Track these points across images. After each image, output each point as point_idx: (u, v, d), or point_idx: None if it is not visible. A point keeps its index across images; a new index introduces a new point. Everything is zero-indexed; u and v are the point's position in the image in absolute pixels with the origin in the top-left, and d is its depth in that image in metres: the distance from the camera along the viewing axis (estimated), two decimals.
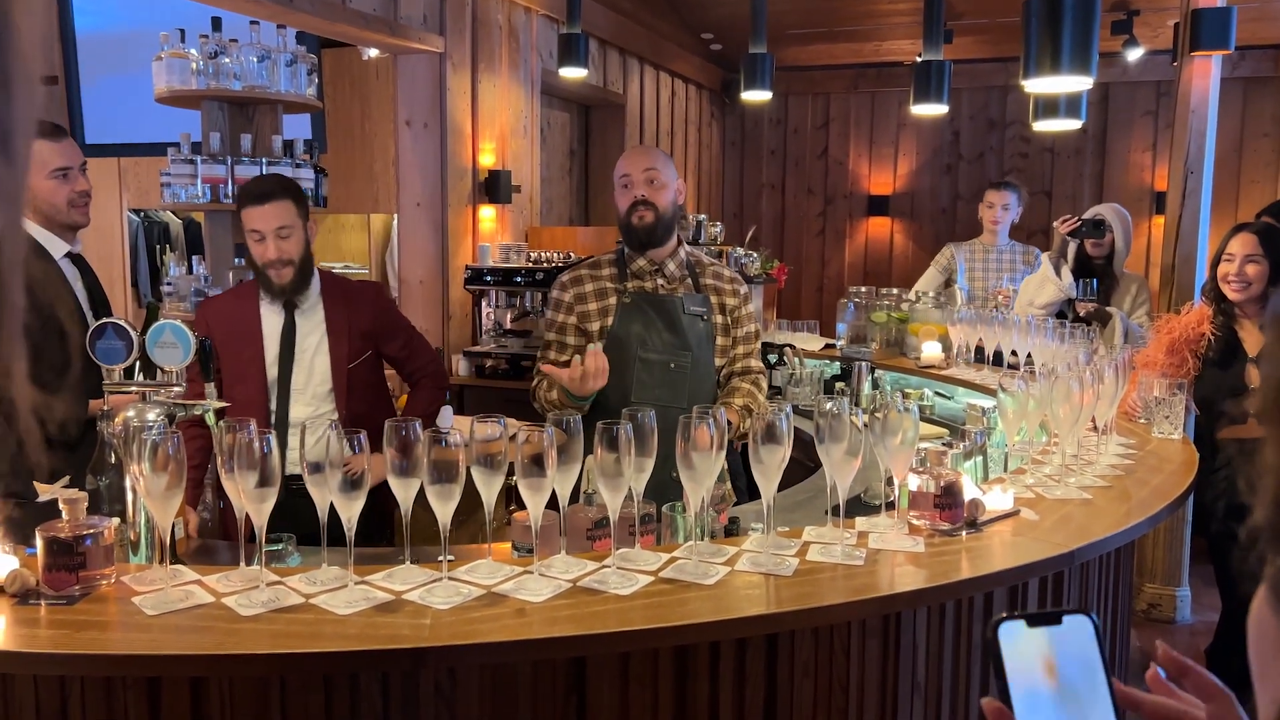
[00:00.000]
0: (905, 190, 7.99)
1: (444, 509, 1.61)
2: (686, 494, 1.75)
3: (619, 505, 1.70)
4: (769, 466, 1.75)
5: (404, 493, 1.61)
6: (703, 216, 5.37)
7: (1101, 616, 2.29)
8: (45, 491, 1.75)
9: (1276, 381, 0.65)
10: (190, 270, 4.46)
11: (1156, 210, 7.09)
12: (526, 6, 5.32)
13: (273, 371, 2.63)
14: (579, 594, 1.63)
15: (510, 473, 1.67)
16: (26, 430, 0.48)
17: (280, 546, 1.99)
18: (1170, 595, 4.26)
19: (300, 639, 1.46)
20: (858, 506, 2.37)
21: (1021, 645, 0.79)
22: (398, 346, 2.80)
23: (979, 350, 3.81)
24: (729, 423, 2.47)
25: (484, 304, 5.00)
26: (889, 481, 2.03)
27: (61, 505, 1.66)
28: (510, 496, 2.57)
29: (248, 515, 1.63)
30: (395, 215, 5.22)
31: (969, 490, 2.02)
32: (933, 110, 4.66)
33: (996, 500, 2.07)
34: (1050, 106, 4.69)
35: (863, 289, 4.81)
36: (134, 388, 2.02)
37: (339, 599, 1.59)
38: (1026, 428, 2.44)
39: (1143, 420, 2.98)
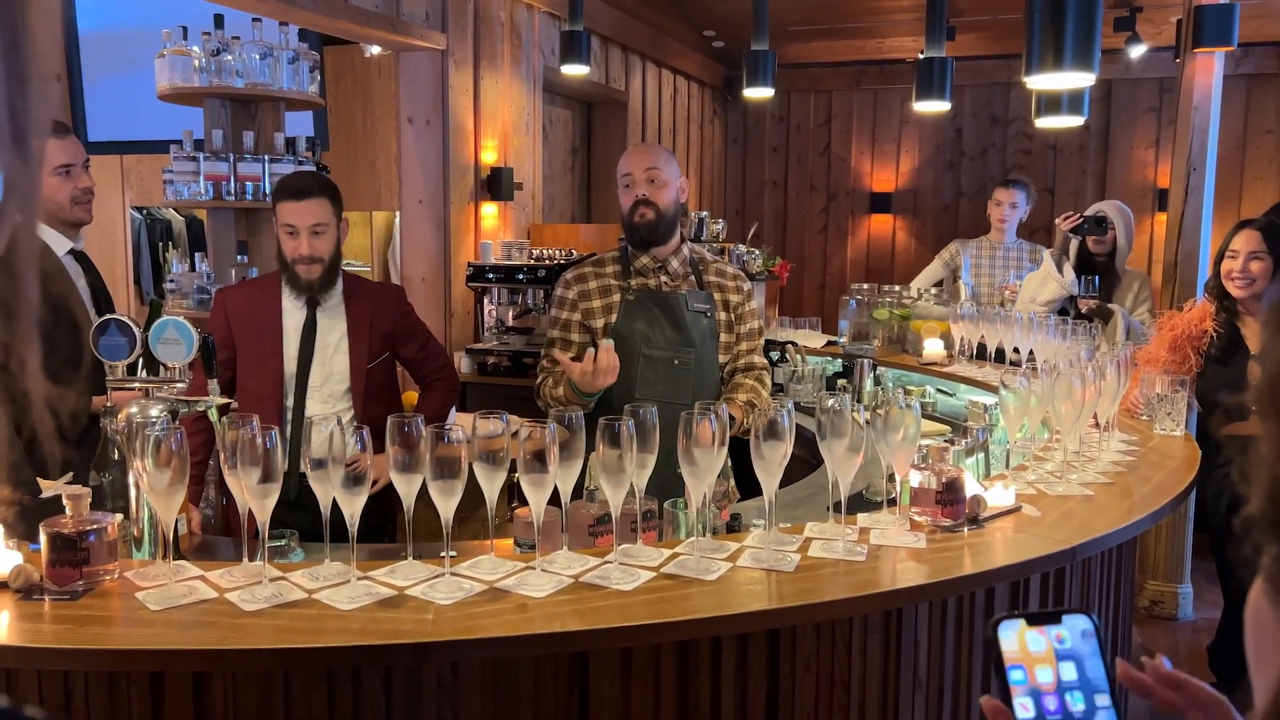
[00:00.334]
0: (907, 187, 7.99)
1: (446, 505, 1.61)
2: (688, 490, 1.76)
3: (621, 501, 1.70)
4: (771, 463, 1.75)
5: (407, 489, 1.62)
6: (705, 214, 5.37)
7: (1103, 613, 2.29)
8: (49, 487, 1.75)
9: (1271, 374, 0.66)
10: (193, 267, 4.46)
11: (1159, 207, 7.08)
12: (529, 4, 5.32)
13: (291, 367, 2.63)
14: (581, 589, 1.64)
15: (512, 469, 1.67)
16: (41, 422, 0.49)
17: (283, 542, 2.00)
18: (1172, 592, 4.26)
19: (303, 634, 1.47)
20: (859, 503, 2.38)
21: (1021, 644, 0.79)
22: (414, 349, 2.81)
23: (981, 347, 3.81)
24: (732, 418, 2.48)
25: (486, 301, 5.00)
26: (891, 478, 2.03)
27: (65, 501, 1.66)
28: (512, 493, 2.58)
29: (250, 512, 1.63)
30: (397, 212, 5.22)
31: (971, 486, 2.02)
32: (935, 107, 4.65)
33: (998, 496, 2.07)
34: (1053, 103, 4.68)
35: (865, 286, 4.81)
36: (137, 384, 2.02)
37: (342, 594, 1.59)
38: (1028, 424, 2.44)
39: (1145, 417, 2.98)
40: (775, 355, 4.07)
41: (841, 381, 4.09)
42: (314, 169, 4.27)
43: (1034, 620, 0.80)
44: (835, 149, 8.16)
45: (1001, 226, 4.96)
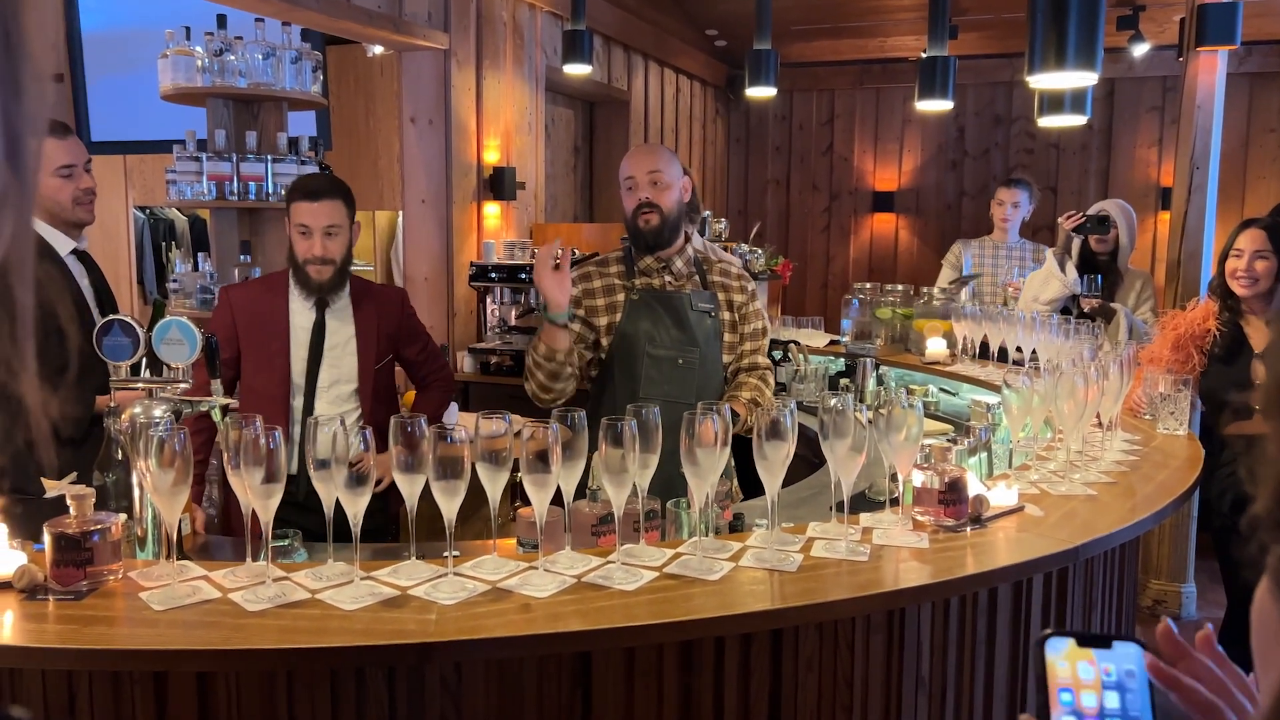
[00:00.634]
0: (910, 186, 7.98)
1: (449, 505, 1.62)
2: (691, 489, 1.76)
3: (624, 501, 1.70)
4: (773, 462, 1.75)
5: (410, 489, 1.62)
6: (707, 213, 5.37)
7: (1106, 613, 2.29)
8: (53, 487, 1.76)
9: (1278, 373, 0.65)
10: (196, 267, 4.47)
11: (1162, 206, 7.07)
12: (531, 3, 5.32)
13: (298, 367, 2.63)
14: (584, 589, 1.64)
15: (515, 469, 1.67)
16: (37, 428, 0.49)
17: (286, 542, 2.00)
18: (1175, 591, 4.25)
19: (306, 634, 1.47)
20: (862, 503, 2.38)
21: (1067, 664, 0.77)
22: (416, 351, 2.83)
23: (984, 346, 3.81)
24: (735, 414, 2.48)
25: (489, 301, 5.00)
26: (893, 477, 2.03)
27: (69, 501, 1.67)
28: (515, 492, 2.58)
29: (254, 511, 1.64)
30: (400, 212, 5.22)
31: (973, 486, 2.02)
32: (938, 106, 4.65)
33: (1001, 496, 2.07)
34: (1056, 102, 4.68)
35: (867, 285, 4.81)
36: (140, 384, 2.03)
37: (345, 594, 1.59)
38: (1031, 424, 2.44)
39: (1148, 416, 2.98)
40: (778, 355, 4.07)
41: (844, 381, 4.09)
42: (319, 169, 4.28)
43: (1084, 641, 0.78)
44: (838, 148, 8.16)
45: (1004, 226, 4.96)
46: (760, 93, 4.95)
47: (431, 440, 1.59)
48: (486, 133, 5.02)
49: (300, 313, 2.66)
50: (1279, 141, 6.99)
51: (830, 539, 1.87)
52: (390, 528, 2.76)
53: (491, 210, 5.10)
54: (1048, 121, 4.73)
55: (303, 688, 1.54)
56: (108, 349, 1.96)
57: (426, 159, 4.80)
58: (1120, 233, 4.20)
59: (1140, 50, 6.10)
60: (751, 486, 2.40)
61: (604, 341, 2.65)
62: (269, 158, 4.14)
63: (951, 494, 1.96)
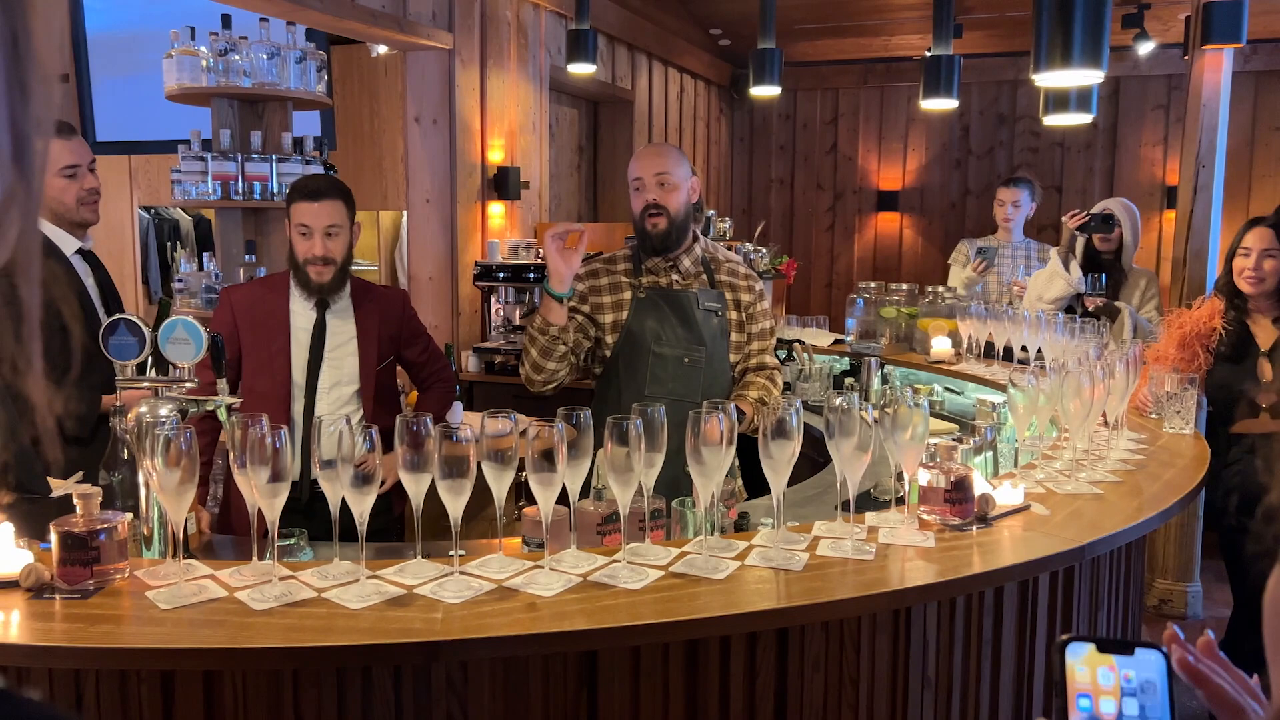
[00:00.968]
0: (914, 185, 7.97)
1: (455, 504, 1.62)
2: (696, 489, 1.76)
3: (629, 500, 1.70)
4: (779, 461, 1.75)
5: (416, 488, 1.62)
6: (711, 212, 5.36)
7: (1111, 612, 2.28)
8: (59, 487, 1.76)
9: None
10: (201, 267, 4.47)
11: (1167, 205, 7.06)
12: (535, 3, 5.32)
13: (299, 369, 2.63)
14: (589, 588, 1.64)
15: (521, 468, 1.67)
16: (43, 427, 0.49)
17: (292, 541, 2.00)
18: (1181, 591, 4.24)
19: (312, 633, 1.47)
20: (867, 502, 2.37)
21: (1087, 669, 0.77)
22: (418, 352, 2.82)
23: (989, 345, 3.80)
24: (741, 413, 2.48)
25: (493, 300, 5.01)
26: (899, 477, 2.03)
27: (76, 500, 1.67)
28: (520, 492, 2.58)
29: (260, 510, 1.64)
30: (404, 212, 5.23)
31: (979, 485, 2.02)
32: (942, 105, 4.64)
33: (1007, 495, 2.07)
34: (1061, 101, 4.67)
35: (872, 284, 4.80)
36: (146, 383, 2.03)
37: (351, 593, 1.59)
38: (1037, 423, 2.43)
39: (1154, 415, 2.97)
40: (782, 354, 4.07)
41: (849, 380, 4.09)
42: (323, 169, 4.28)
43: (1105, 647, 0.77)
44: (842, 147, 8.15)
45: (1007, 226, 4.95)
46: (764, 92, 4.95)
47: (437, 439, 1.59)
48: (491, 132, 5.02)
49: (301, 314, 2.66)
50: None
51: (836, 538, 1.87)
52: (395, 527, 2.76)
53: (496, 210, 5.10)
54: (1053, 120, 4.72)
55: (309, 687, 1.54)
56: (113, 348, 1.97)
57: (431, 158, 4.80)
58: (1124, 231, 4.19)
59: (1145, 48, 6.09)
60: (756, 486, 2.40)
61: (609, 340, 2.64)
62: (274, 157, 4.14)
63: (957, 493, 1.95)
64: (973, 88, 7.45)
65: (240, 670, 1.52)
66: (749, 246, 5.27)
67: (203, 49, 4.06)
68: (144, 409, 1.94)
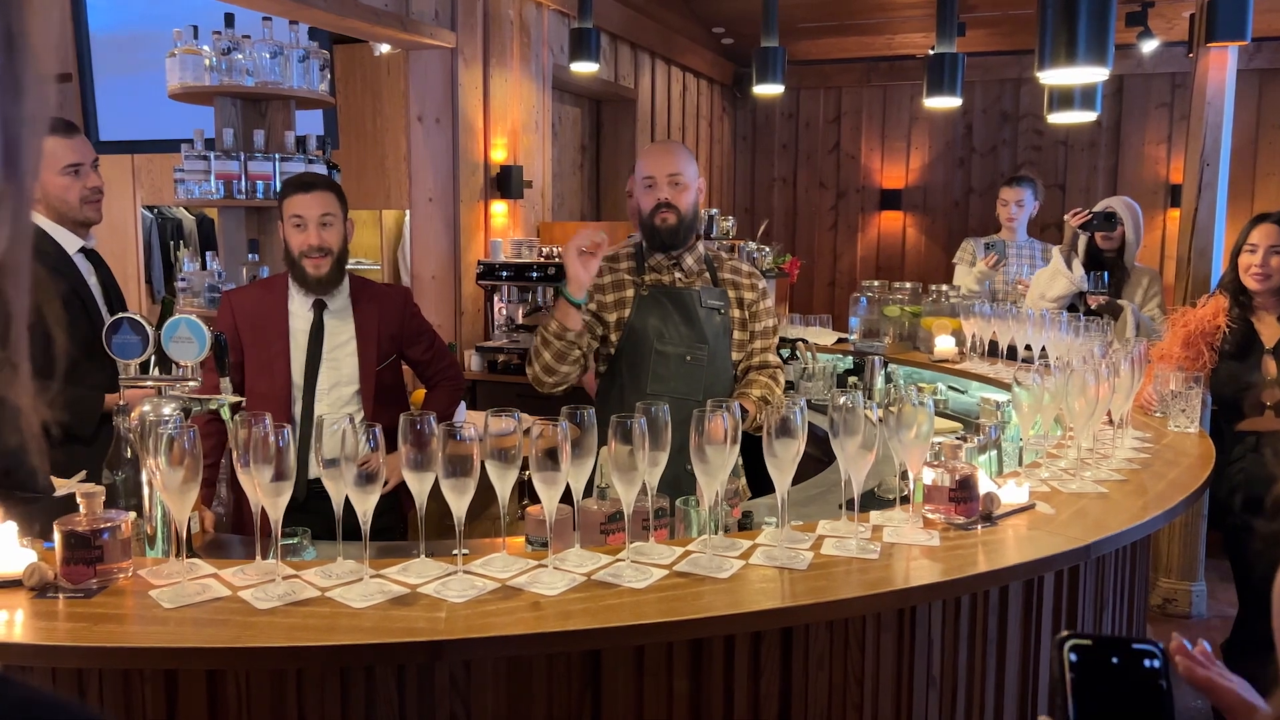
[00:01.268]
0: (918, 184, 7.97)
1: (459, 503, 1.61)
2: (700, 487, 1.75)
3: (633, 499, 1.70)
4: (783, 460, 1.74)
5: (419, 487, 1.62)
6: (714, 211, 5.36)
7: (1116, 612, 2.28)
8: (62, 486, 1.76)
9: None
10: (204, 266, 4.48)
11: (1171, 203, 7.05)
12: (538, 2, 5.32)
13: (298, 370, 2.62)
14: (593, 587, 1.63)
15: (524, 467, 1.67)
16: (29, 434, 0.48)
17: (296, 540, 2.00)
18: (1186, 590, 4.24)
19: (316, 632, 1.47)
20: (871, 501, 2.37)
21: (1088, 667, 0.77)
22: (421, 350, 2.81)
23: (993, 344, 3.79)
24: (745, 411, 2.47)
25: (496, 299, 5.00)
26: (903, 475, 2.02)
27: (79, 499, 1.67)
28: (524, 490, 2.57)
29: (263, 510, 1.64)
30: (407, 211, 5.23)
31: (984, 484, 2.01)
32: (946, 103, 4.63)
33: (1011, 494, 2.06)
34: (1065, 99, 4.66)
35: (875, 283, 4.80)
36: (149, 382, 2.03)
37: (354, 592, 1.59)
38: (1041, 421, 2.43)
39: (1159, 414, 2.96)
40: (785, 353, 4.06)
41: (852, 379, 4.08)
42: (326, 169, 4.28)
43: (1104, 645, 0.78)
44: (845, 146, 8.14)
45: (1010, 225, 4.94)
46: (767, 90, 4.94)
47: (441, 438, 1.59)
48: (493, 131, 5.02)
49: (299, 315, 2.65)
50: None
51: (840, 537, 1.87)
52: (399, 527, 2.76)
53: (498, 209, 5.10)
54: (1057, 118, 4.72)
55: (312, 686, 1.54)
56: (117, 347, 1.97)
57: (433, 157, 4.80)
58: (1126, 230, 4.18)
59: (1149, 46, 6.07)
60: (760, 484, 2.40)
61: (613, 337, 2.64)
62: (276, 156, 4.14)
63: (962, 491, 1.95)
64: (976, 86, 7.44)
65: (244, 669, 1.52)
66: (752, 245, 5.27)
67: (205, 48, 4.06)
68: (147, 408, 1.94)
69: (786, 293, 6.11)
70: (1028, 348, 3.48)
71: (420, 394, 3.06)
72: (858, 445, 1.77)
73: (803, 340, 4.21)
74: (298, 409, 2.61)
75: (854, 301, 4.73)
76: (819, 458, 2.86)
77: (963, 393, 3.90)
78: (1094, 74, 2.47)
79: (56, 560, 1.63)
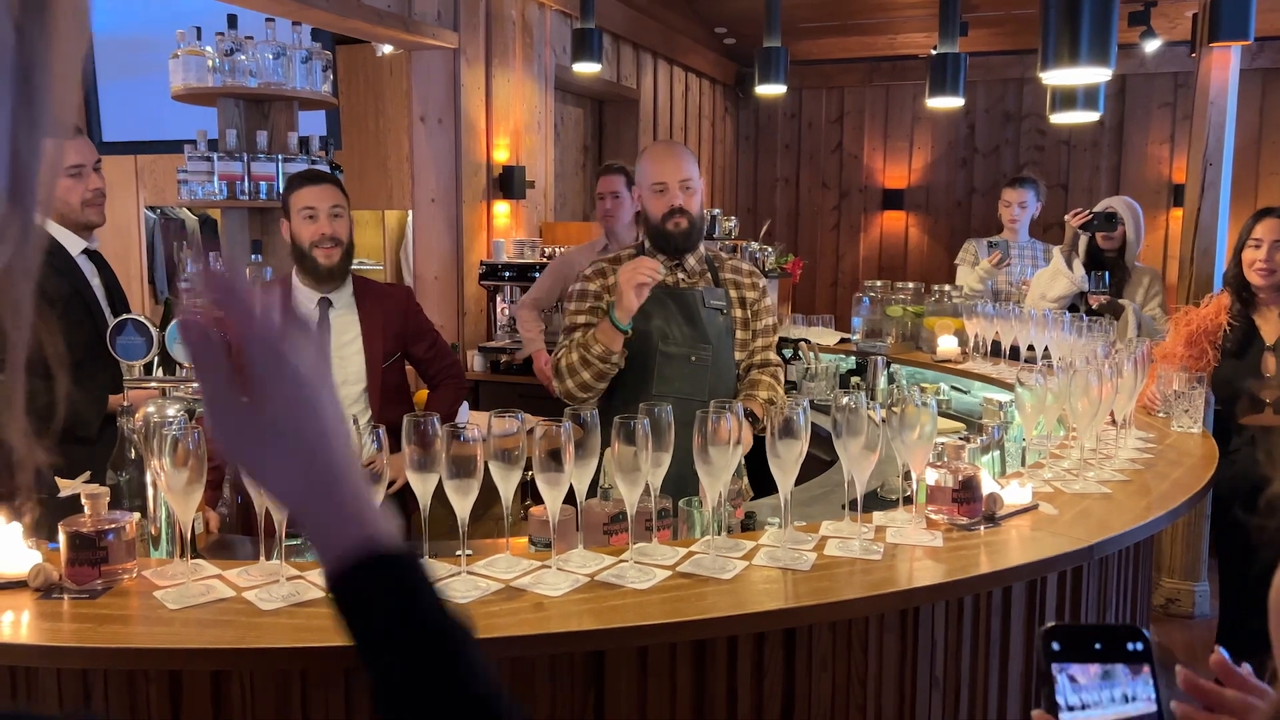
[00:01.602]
0: (920, 184, 7.96)
1: (462, 504, 1.61)
2: (703, 488, 1.75)
3: (636, 500, 1.70)
4: (786, 461, 1.75)
5: (423, 487, 1.62)
6: (716, 211, 5.36)
7: (1119, 612, 2.28)
8: (67, 487, 1.76)
9: None
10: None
11: (1174, 203, 7.04)
12: (540, 2, 5.32)
13: None
14: (596, 588, 1.63)
15: (527, 467, 1.67)
16: (21, 468, 0.48)
17: (300, 541, 2.00)
18: (1189, 590, 4.23)
19: (321, 633, 1.47)
20: (874, 501, 2.37)
21: (1072, 657, 0.78)
22: (424, 348, 2.83)
23: (995, 344, 3.79)
24: (754, 416, 2.48)
25: (499, 299, 5.01)
26: (906, 476, 2.02)
27: (84, 500, 1.67)
28: (527, 491, 2.58)
29: (268, 510, 1.64)
30: (410, 211, 5.23)
31: (987, 484, 2.01)
32: (948, 103, 4.63)
33: (1014, 494, 2.06)
34: (1068, 98, 4.66)
35: (878, 283, 4.80)
36: (154, 383, 2.03)
37: None
38: (1044, 422, 2.43)
39: (1162, 414, 2.96)
40: (788, 353, 4.06)
41: (855, 379, 4.08)
42: (329, 169, 4.28)
43: (1086, 633, 0.78)
44: (847, 146, 8.14)
45: (1013, 226, 4.94)
46: (769, 90, 4.94)
47: (445, 439, 1.59)
48: (496, 131, 5.02)
49: (304, 314, 2.66)
50: None
51: (843, 537, 1.87)
52: (403, 527, 2.76)
53: (501, 209, 5.10)
54: (1060, 118, 4.72)
55: (317, 687, 1.54)
56: (121, 348, 1.97)
57: (436, 158, 4.80)
58: (1127, 229, 4.18)
59: (1152, 46, 6.07)
60: (762, 485, 2.40)
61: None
62: (280, 157, 4.15)
63: (965, 492, 1.95)
64: (978, 86, 7.43)
65: (248, 670, 1.52)
66: (754, 245, 5.27)
67: (208, 49, 4.06)
68: (151, 409, 1.94)
69: (789, 293, 6.11)
70: (1030, 348, 3.48)
71: (423, 394, 3.07)
72: (861, 446, 1.77)
73: (805, 340, 4.21)
74: None
75: (856, 302, 4.73)
76: (822, 458, 2.86)
77: (965, 393, 3.90)
78: (1097, 74, 2.47)
79: (61, 561, 1.63)
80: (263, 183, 4.13)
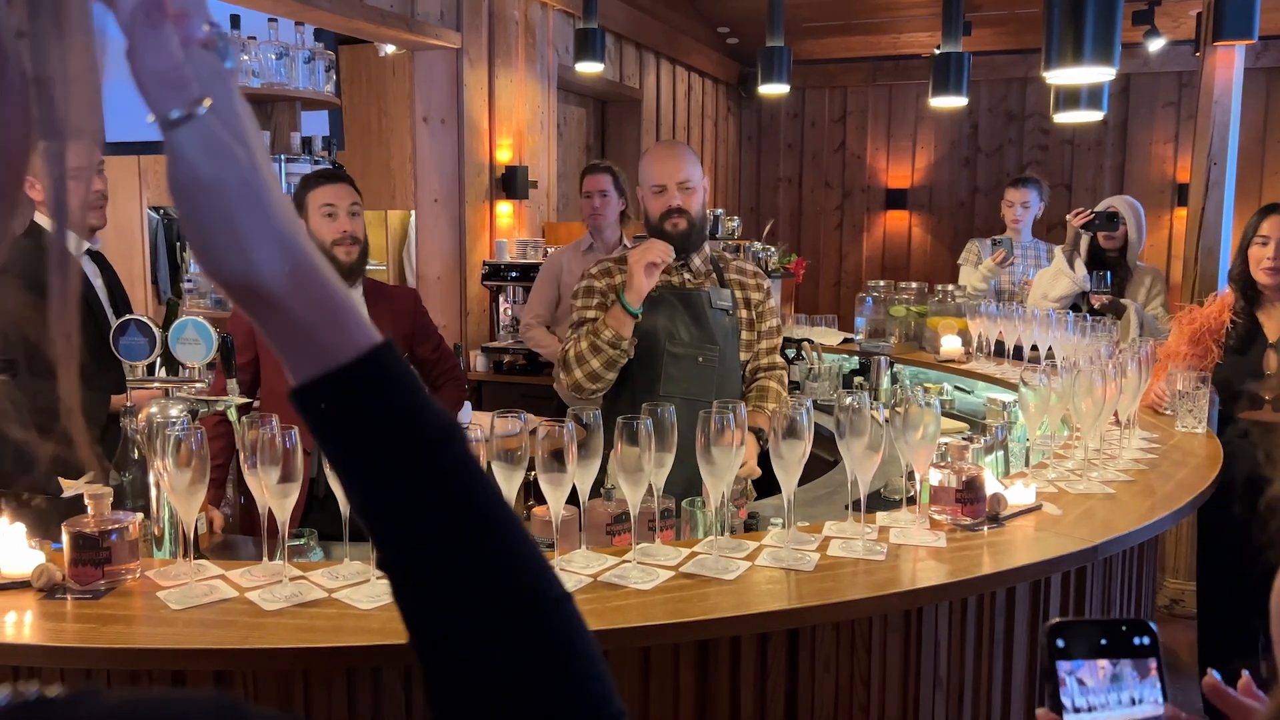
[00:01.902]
0: (923, 183, 7.95)
1: None
2: (706, 489, 1.75)
3: (639, 500, 1.70)
4: (789, 461, 1.74)
5: None
6: (719, 211, 5.36)
7: (1124, 612, 2.27)
8: (70, 487, 1.76)
9: None
10: None
11: (1178, 202, 7.03)
12: (543, 2, 5.32)
13: None
14: (600, 589, 1.63)
15: (530, 467, 1.67)
16: (76, 429, 0.48)
17: (302, 541, 2.00)
18: (1192, 591, 4.22)
19: (323, 633, 1.47)
20: (877, 502, 2.37)
21: (1077, 652, 0.77)
22: (429, 350, 2.84)
23: (999, 344, 3.79)
24: (761, 431, 2.46)
25: (501, 300, 5.01)
26: (910, 476, 2.02)
27: (87, 500, 1.67)
28: (530, 491, 2.57)
29: (270, 511, 1.64)
30: (413, 211, 5.23)
31: (991, 485, 2.01)
32: (951, 102, 4.63)
33: (1018, 495, 2.06)
34: (1071, 98, 4.65)
35: (881, 283, 4.79)
36: (157, 384, 2.03)
37: (361, 593, 1.59)
38: (1048, 422, 2.42)
39: (1169, 412, 2.95)
40: (791, 353, 4.06)
41: (858, 379, 4.08)
42: (331, 169, 4.29)
43: (1091, 627, 0.77)
44: (850, 145, 8.13)
45: (1016, 227, 4.93)
46: (772, 90, 4.94)
47: None
48: (499, 132, 5.02)
49: None
50: None
51: (847, 538, 1.86)
52: None
53: (504, 209, 5.10)
54: (1064, 117, 4.71)
55: (319, 687, 1.54)
56: (124, 349, 1.97)
57: (439, 158, 4.80)
58: (1129, 229, 4.17)
59: (1156, 45, 6.06)
60: (765, 485, 2.39)
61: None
62: (283, 157, 4.15)
63: (969, 492, 1.95)
64: (982, 85, 7.42)
65: (251, 671, 1.52)
66: (757, 245, 5.27)
67: None
68: (154, 409, 1.94)
69: (792, 293, 6.10)
70: (1034, 348, 3.47)
71: None
72: (864, 446, 1.77)
73: (808, 340, 4.20)
74: None
75: (860, 301, 4.73)
76: (825, 458, 2.86)
77: (969, 393, 3.90)
78: (1100, 73, 2.46)
79: (64, 561, 1.63)
80: None
